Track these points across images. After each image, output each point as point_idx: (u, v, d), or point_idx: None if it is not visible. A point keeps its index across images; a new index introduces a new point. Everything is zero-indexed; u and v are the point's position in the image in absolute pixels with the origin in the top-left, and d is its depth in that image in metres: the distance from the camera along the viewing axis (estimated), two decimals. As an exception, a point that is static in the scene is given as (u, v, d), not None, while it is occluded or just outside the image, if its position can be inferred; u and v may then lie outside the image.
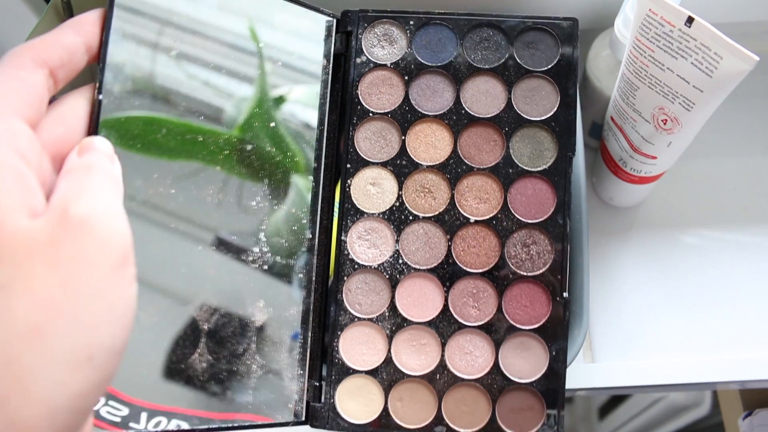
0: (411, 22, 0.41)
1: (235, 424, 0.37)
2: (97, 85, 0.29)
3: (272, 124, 0.38)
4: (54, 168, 0.25)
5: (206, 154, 0.35)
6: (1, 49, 0.47)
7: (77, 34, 0.27)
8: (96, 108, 0.28)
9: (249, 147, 0.37)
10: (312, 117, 0.40)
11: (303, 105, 0.40)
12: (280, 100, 0.38)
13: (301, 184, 0.39)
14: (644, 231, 0.50)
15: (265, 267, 0.37)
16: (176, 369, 0.35)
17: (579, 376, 0.45)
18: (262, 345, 0.38)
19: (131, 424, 0.33)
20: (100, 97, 0.29)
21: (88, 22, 0.28)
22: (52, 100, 0.27)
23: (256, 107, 0.37)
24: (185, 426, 0.35)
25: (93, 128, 0.28)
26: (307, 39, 0.40)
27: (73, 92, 0.28)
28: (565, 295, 0.38)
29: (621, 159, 0.44)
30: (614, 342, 0.48)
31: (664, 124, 0.38)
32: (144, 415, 0.34)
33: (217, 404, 0.36)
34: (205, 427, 0.36)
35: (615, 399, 0.90)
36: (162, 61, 0.33)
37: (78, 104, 0.27)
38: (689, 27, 0.32)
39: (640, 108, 0.39)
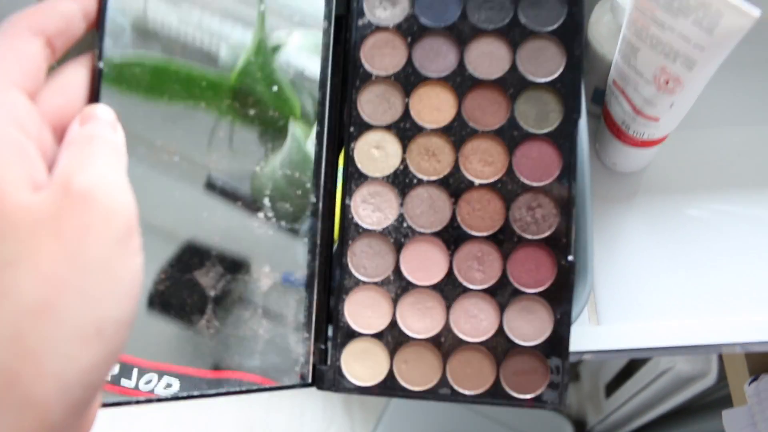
0: (414, -17, 0.40)
1: (242, 386, 0.36)
2: (97, 52, 0.28)
3: (271, 70, 0.36)
4: (55, 139, 0.24)
5: (204, 98, 0.34)
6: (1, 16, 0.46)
7: (74, 1, 0.25)
8: (97, 76, 0.27)
9: (247, 92, 0.35)
10: (311, 64, 0.38)
11: (302, 51, 0.38)
12: (277, 48, 0.37)
13: (299, 132, 0.38)
14: (648, 197, 0.49)
15: (270, 232, 0.37)
16: (182, 333, 0.34)
17: (585, 338, 0.44)
18: (268, 309, 0.37)
19: (122, 380, 0.33)
20: (101, 64, 0.27)
21: None
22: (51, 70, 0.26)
23: (255, 52, 0.36)
24: (177, 383, 0.35)
25: (94, 96, 0.27)
26: None
27: (72, 61, 0.27)
28: (570, 258, 0.37)
29: (624, 122, 0.43)
30: (619, 305, 0.47)
31: (666, 84, 0.37)
32: (135, 371, 0.34)
33: (220, 364, 0.36)
34: (215, 391, 0.35)
35: (621, 375, 0.90)
36: (158, 5, 0.32)
37: (78, 73, 0.26)
38: None
39: (642, 69, 0.38)
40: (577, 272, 0.39)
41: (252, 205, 0.36)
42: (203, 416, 1.16)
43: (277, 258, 0.38)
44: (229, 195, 0.35)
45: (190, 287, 0.35)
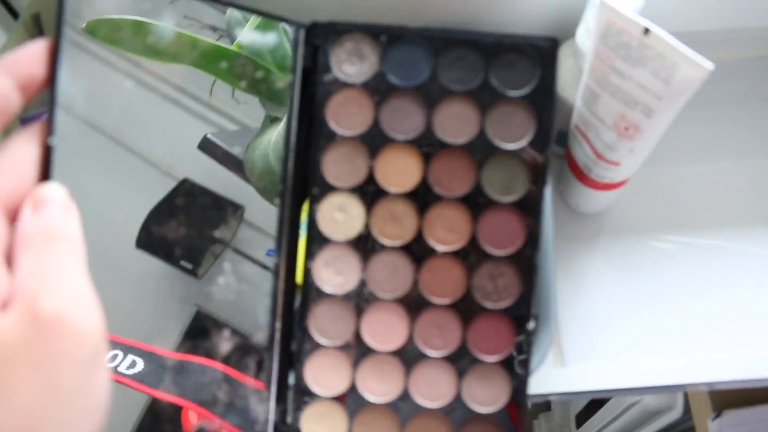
0: (383, 37, 0.38)
1: (205, 372, 0.36)
2: (50, 127, 0.26)
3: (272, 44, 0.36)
4: (8, 220, 0.23)
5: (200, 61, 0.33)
6: None
7: (7, 76, 0.24)
8: (48, 153, 0.25)
9: (246, 62, 0.35)
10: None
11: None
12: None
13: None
14: (611, 237, 0.49)
15: (231, 296, 0.36)
16: None
17: (549, 380, 0.44)
18: (230, 369, 0.37)
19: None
20: (53, 141, 0.26)
21: (20, 61, 0.25)
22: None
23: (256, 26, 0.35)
24: (141, 362, 0.34)
25: (45, 174, 0.25)
26: None
27: (21, 133, 0.25)
28: (530, 328, 0.37)
29: (586, 165, 0.43)
30: (584, 346, 0.47)
31: (626, 131, 0.37)
32: None
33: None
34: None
35: (591, 406, 0.92)
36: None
37: (28, 149, 0.25)
38: (647, 37, 0.32)
39: (603, 116, 0.38)
40: (540, 320, 0.39)
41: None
42: None
43: (239, 318, 0.37)
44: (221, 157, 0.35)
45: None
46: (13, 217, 0.23)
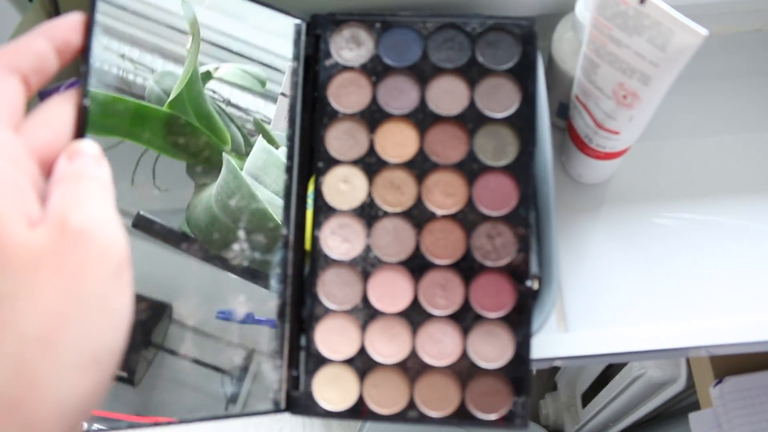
0: (377, 25, 0.41)
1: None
2: (84, 89, 0.28)
3: (201, 102, 0.36)
4: (42, 173, 0.24)
5: (130, 129, 0.33)
6: None
7: (47, 40, 0.26)
8: (82, 113, 0.27)
9: (179, 123, 0.35)
10: (237, 94, 0.37)
11: (229, 83, 0.37)
12: (207, 76, 0.36)
13: (233, 162, 0.37)
14: (613, 206, 0.50)
15: (245, 263, 0.38)
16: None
17: (554, 345, 0.45)
18: (243, 338, 0.38)
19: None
20: (87, 102, 0.28)
21: (58, 27, 0.27)
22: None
23: (187, 85, 0.35)
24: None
25: (80, 133, 0.27)
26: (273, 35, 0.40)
27: (55, 97, 0.27)
28: (529, 284, 0.39)
29: (586, 136, 0.44)
30: (587, 312, 0.47)
31: (625, 99, 0.38)
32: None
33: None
34: (197, 416, 0.36)
35: (596, 384, 0.91)
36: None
37: (62, 109, 0.26)
38: (643, 5, 0.33)
39: (602, 85, 0.39)
40: (543, 282, 0.40)
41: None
42: None
43: (251, 287, 0.38)
44: (158, 232, 0.35)
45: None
46: (47, 170, 0.25)
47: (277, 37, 0.40)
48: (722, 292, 0.47)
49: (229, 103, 0.37)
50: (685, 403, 0.70)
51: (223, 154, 0.36)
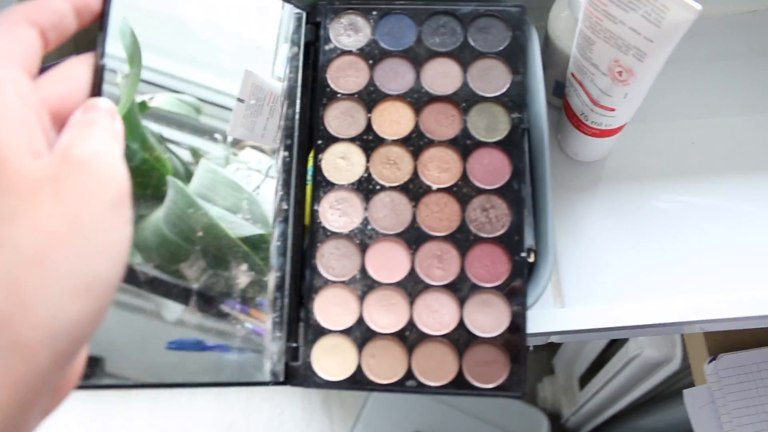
0: (374, 12, 0.43)
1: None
2: (100, 51, 0.29)
3: (141, 132, 0.34)
4: (53, 125, 0.24)
5: None
6: None
7: (66, 0, 0.26)
8: (100, 72, 0.28)
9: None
10: (170, 132, 0.35)
11: (163, 112, 0.35)
12: (143, 106, 0.34)
13: (178, 184, 0.35)
14: (609, 185, 0.50)
15: (247, 234, 0.38)
16: None
17: (550, 320, 0.44)
18: (245, 306, 0.38)
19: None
20: (103, 61, 0.28)
21: None
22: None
23: (126, 116, 0.33)
24: None
25: (96, 92, 0.27)
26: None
27: (72, 58, 0.27)
28: (523, 254, 0.39)
29: (582, 113, 0.44)
30: (583, 288, 0.48)
31: (620, 75, 0.39)
32: None
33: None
34: (196, 381, 0.36)
35: (593, 367, 0.90)
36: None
37: (78, 68, 0.27)
38: None
39: (597, 61, 0.40)
40: (540, 256, 0.40)
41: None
42: (182, 417, 1.14)
43: (253, 259, 0.39)
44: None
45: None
46: (59, 123, 0.25)
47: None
48: (716, 271, 0.47)
49: (161, 137, 0.35)
50: (680, 384, 0.69)
51: (167, 177, 0.35)
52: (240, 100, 0.39)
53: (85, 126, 0.24)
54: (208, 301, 0.36)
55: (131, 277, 0.32)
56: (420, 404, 1.03)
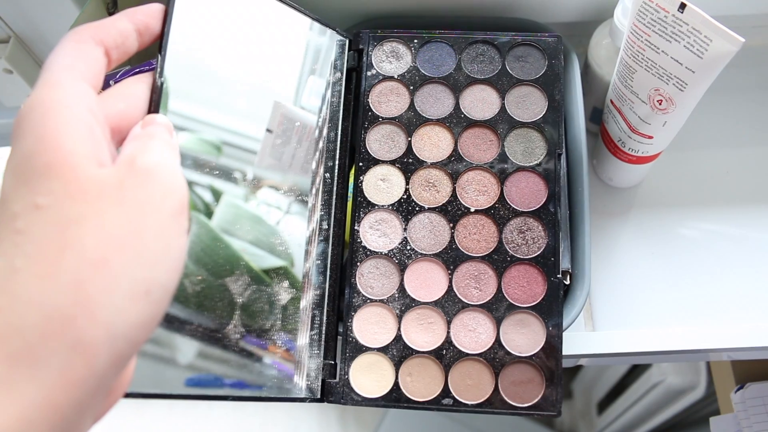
0: (415, 41, 0.44)
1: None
2: (159, 70, 0.29)
3: None
4: (112, 140, 0.25)
5: None
6: (44, 39, 0.47)
7: (131, 22, 0.27)
8: (158, 90, 0.28)
9: None
10: (190, 173, 0.34)
11: (186, 152, 0.34)
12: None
13: (201, 218, 0.34)
14: (642, 211, 0.50)
15: (269, 266, 0.38)
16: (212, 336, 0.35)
17: (581, 343, 0.44)
18: (286, 323, 0.38)
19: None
20: (162, 80, 0.29)
21: (140, 12, 0.28)
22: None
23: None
24: None
25: (154, 109, 0.28)
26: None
27: (132, 77, 0.28)
28: (559, 276, 0.39)
29: (620, 140, 0.44)
30: (614, 313, 0.47)
31: (660, 104, 0.39)
32: None
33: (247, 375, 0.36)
34: (232, 394, 0.36)
35: (613, 392, 0.88)
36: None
37: (138, 86, 0.27)
38: (682, 12, 0.33)
39: (638, 90, 0.39)
40: (575, 279, 0.40)
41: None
42: (198, 426, 1.12)
43: (294, 276, 0.39)
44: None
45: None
46: (117, 139, 0.25)
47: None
48: (746, 299, 0.46)
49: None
50: (703, 412, 0.68)
51: (191, 212, 0.34)
52: (269, 130, 0.38)
53: (147, 138, 0.25)
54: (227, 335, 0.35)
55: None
56: (436, 424, 1.02)
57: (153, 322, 0.22)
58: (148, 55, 0.35)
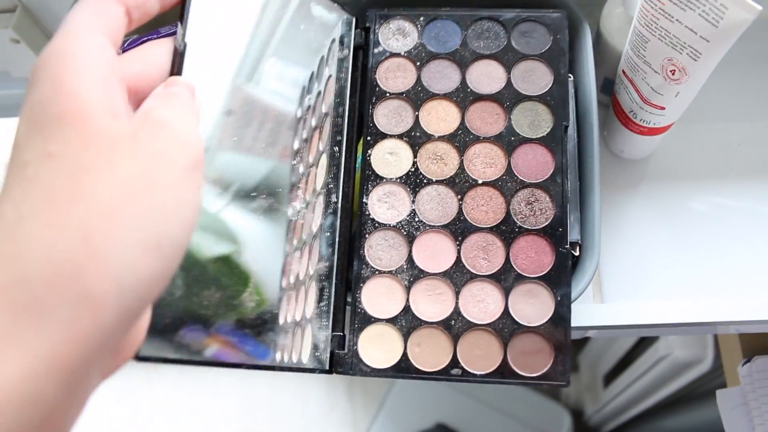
0: (421, 18, 0.43)
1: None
2: (180, 33, 0.28)
3: None
4: (129, 100, 0.24)
5: None
6: (51, 9, 0.46)
7: None
8: (180, 52, 0.27)
9: None
10: None
11: None
12: None
13: None
14: (653, 183, 0.48)
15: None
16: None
17: (590, 315, 0.43)
18: (294, 295, 0.38)
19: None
20: (182, 45, 0.27)
21: None
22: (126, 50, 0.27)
23: None
24: None
25: (177, 72, 0.27)
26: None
27: (150, 42, 0.27)
28: (567, 246, 0.38)
29: (632, 111, 0.43)
30: (623, 285, 0.46)
31: (673, 74, 0.37)
32: None
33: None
34: (241, 362, 0.35)
35: (619, 365, 0.87)
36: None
37: (156, 50, 0.26)
38: None
39: (651, 60, 0.38)
40: (585, 250, 0.39)
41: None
42: (206, 395, 1.11)
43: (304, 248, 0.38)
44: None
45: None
46: (135, 100, 0.24)
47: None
48: (755, 273, 0.45)
49: None
50: (709, 385, 0.66)
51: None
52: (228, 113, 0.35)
53: (167, 96, 0.24)
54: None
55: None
56: (443, 396, 1.01)
57: (163, 279, 0.21)
58: (156, 24, 0.34)
